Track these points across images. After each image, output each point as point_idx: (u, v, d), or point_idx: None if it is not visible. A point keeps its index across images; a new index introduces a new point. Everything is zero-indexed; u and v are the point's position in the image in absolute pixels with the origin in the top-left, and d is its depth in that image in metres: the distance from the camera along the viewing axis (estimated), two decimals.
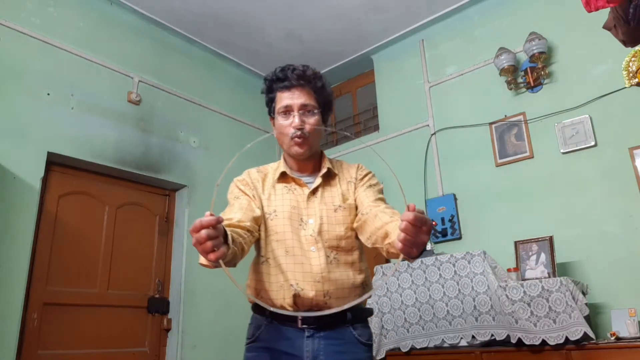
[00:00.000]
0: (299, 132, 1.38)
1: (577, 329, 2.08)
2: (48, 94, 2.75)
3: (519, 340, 2.21)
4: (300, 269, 1.31)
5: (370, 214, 1.32)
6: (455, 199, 3.21)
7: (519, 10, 3.22)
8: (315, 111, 1.42)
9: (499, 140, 3.12)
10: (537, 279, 2.32)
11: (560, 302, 2.15)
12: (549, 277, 2.36)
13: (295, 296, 1.29)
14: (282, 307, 1.30)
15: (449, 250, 2.93)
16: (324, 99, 1.46)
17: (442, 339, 2.47)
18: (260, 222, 1.37)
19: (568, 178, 2.78)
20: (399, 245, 0.96)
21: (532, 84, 3.01)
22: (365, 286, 1.39)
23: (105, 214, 2.99)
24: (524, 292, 2.24)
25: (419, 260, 2.71)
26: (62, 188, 2.80)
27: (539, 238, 2.56)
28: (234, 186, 1.45)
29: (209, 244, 0.93)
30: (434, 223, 3.15)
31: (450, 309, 2.48)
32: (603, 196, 2.64)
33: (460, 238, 3.13)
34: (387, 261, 3.04)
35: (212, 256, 0.94)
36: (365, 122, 4.07)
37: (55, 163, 2.77)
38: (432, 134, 3.44)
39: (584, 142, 2.76)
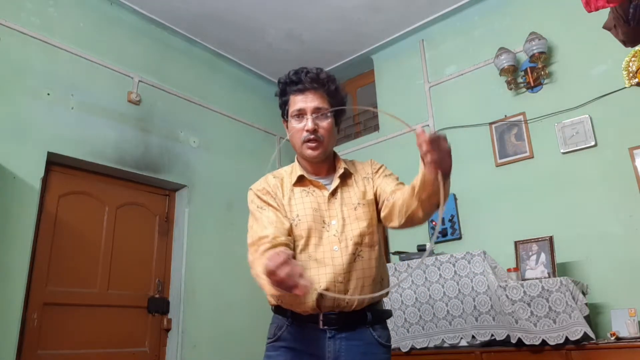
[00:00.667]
0: (312, 136, 1.39)
1: (577, 329, 2.08)
2: (48, 94, 2.75)
3: (519, 340, 2.21)
4: (324, 271, 1.33)
5: (396, 196, 1.35)
6: (455, 199, 3.21)
7: (519, 10, 3.22)
8: (329, 114, 1.42)
9: (499, 140, 3.12)
10: (537, 279, 2.32)
11: (560, 302, 2.15)
12: (549, 277, 2.36)
13: (318, 298, 1.31)
14: (305, 310, 1.32)
15: (449, 250, 2.93)
16: (337, 101, 1.46)
17: (442, 339, 2.47)
18: (291, 233, 1.38)
19: (568, 178, 2.78)
20: (426, 168, 1.08)
21: (532, 84, 3.00)
22: (384, 283, 1.42)
23: (105, 214, 2.98)
24: (524, 292, 2.24)
25: (418, 261, 2.71)
26: (62, 188, 2.79)
27: (539, 238, 2.56)
28: (254, 195, 1.45)
29: (289, 283, 1.02)
30: (434, 223, 3.14)
31: (450, 309, 2.48)
32: (603, 196, 2.64)
33: (460, 238, 3.13)
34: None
35: (298, 292, 1.02)
36: (365, 122, 4.07)
37: (55, 163, 2.77)
38: None
39: (584, 142, 2.75)
